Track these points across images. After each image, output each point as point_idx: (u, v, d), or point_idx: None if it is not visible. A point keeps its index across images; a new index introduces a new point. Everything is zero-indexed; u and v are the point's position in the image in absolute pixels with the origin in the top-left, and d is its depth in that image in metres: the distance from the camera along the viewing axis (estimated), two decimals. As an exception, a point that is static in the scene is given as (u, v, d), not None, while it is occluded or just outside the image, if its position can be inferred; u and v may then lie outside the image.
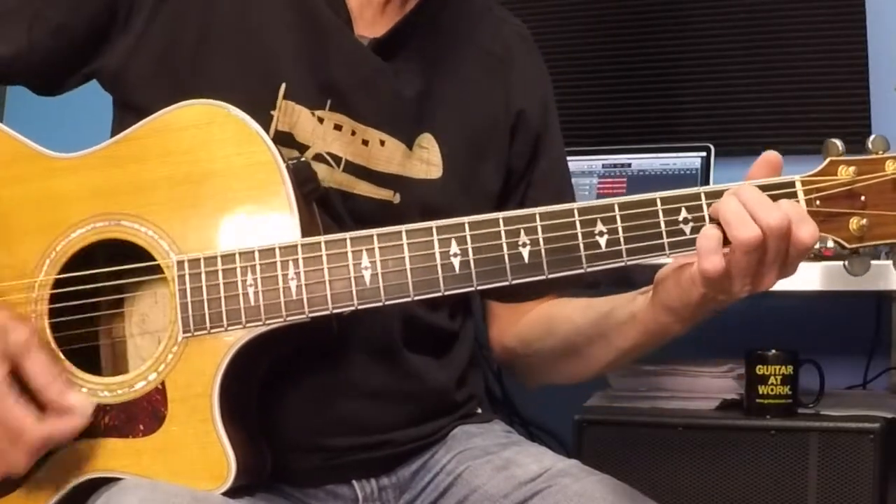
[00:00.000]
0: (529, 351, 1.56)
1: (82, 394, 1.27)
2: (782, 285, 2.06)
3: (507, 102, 1.55)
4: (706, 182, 2.52)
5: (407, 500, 1.48)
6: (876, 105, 2.61)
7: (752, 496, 2.15)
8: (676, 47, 2.81)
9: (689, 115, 2.80)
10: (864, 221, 1.23)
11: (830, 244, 1.25)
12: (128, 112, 1.42)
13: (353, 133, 1.43)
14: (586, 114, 2.85)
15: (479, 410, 1.59)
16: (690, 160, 2.56)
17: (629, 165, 2.60)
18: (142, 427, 1.30)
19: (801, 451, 2.13)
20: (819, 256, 2.06)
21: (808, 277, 2.05)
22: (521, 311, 1.56)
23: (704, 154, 2.55)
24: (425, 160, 1.47)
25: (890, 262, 1.99)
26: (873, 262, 2.00)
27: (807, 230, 1.19)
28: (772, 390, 2.20)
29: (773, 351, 2.21)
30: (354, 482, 1.45)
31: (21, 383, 1.25)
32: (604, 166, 2.60)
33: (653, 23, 2.82)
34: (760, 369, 2.21)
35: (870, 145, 1.23)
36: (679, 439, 2.21)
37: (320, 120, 1.42)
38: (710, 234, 1.20)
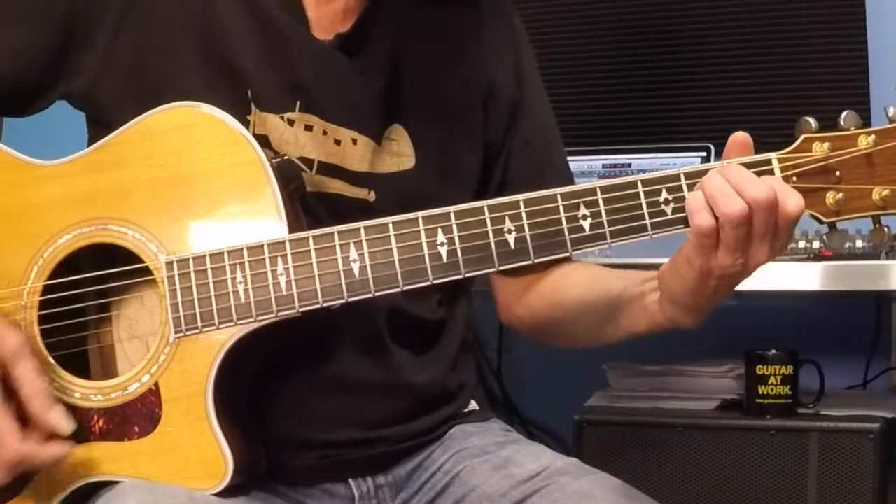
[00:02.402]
0: (537, 320, 1.57)
1: (63, 414, 1.27)
2: (782, 285, 2.07)
3: (476, 77, 1.55)
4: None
5: (404, 499, 1.47)
6: (876, 105, 2.60)
7: (752, 496, 2.15)
8: (676, 47, 2.81)
9: (689, 115, 2.80)
10: (839, 196, 1.25)
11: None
12: (101, 128, 1.41)
13: (325, 133, 1.43)
14: (586, 114, 2.85)
15: (474, 402, 1.59)
16: (690, 160, 2.56)
17: (629, 165, 2.60)
18: (137, 429, 1.30)
19: (801, 451, 2.13)
20: (819, 256, 2.06)
21: (808, 277, 2.05)
22: (527, 281, 1.57)
23: (704, 154, 2.54)
24: (395, 152, 1.47)
25: (891, 262, 2.00)
26: (872, 263, 2.02)
27: (793, 201, 1.21)
28: (772, 390, 2.19)
29: (773, 351, 2.21)
30: (350, 481, 1.44)
31: (8, 391, 1.25)
32: (604, 166, 2.60)
33: (653, 23, 2.82)
34: (760, 369, 2.20)
35: (842, 122, 1.26)
36: (679, 439, 2.20)
37: (290, 122, 1.42)
38: (696, 194, 1.22)
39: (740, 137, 1.27)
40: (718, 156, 2.51)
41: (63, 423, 1.26)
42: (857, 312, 2.59)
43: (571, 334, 1.55)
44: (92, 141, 1.43)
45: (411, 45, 1.50)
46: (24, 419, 1.26)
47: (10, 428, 1.24)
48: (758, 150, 1.28)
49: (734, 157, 1.26)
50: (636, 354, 2.41)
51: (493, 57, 1.56)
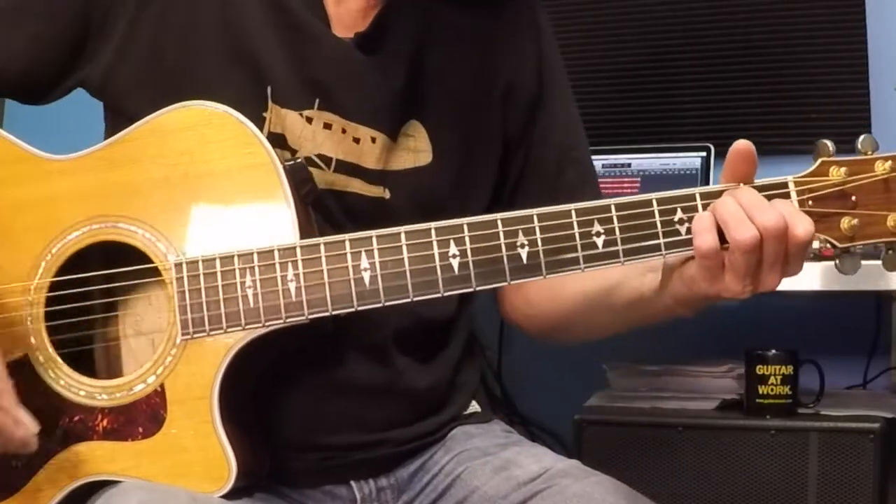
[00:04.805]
0: (534, 312, 1.56)
1: (30, 416, 1.25)
2: (783, 285, 2.07)
3: (495, 75, 1.54)
4: (706, 182, 2.52)
5: (405, 501, 1.47)
6: (876, 105, 2.61)
7: (752, 496, 2.15)
8: (676, 47, 2.81)
9: (689, 115, 2.80)
10: (855, 221, 1.24)
11: (816, 244, 1.25)
12: (118, 117, 1.42)
13: (344, 131, 1.43)
14: (586, 114, 2.82)
15: (475, 403, 1.59)
16: (690, 160, 2.56)
17: (629, 165, 2.60)
18: (141, 430, 1.30)
19: (801, 451, 2.13)
20: (819, 256, 2.05)
21: (808, 277, 2.05)
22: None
23: (704, 154, 2.54)
24: (412, 148, 1.47)
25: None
26: (873, 262, 2.02)
27: (802, 226, 1.20)
28: (772, 390, 2.20)
29: (773, 351, 2.21)
30: (353, 483, 1.45)
31: None
32: (604, 166, 2.60)
33: (653, 23, 2.82)
34: (760, 369, 2.20)
35: (859, 146, 1.25)
36: (679, 439, 2.20)
37: (308, 120, 1.42)
38: (704, 215, 1.22)
39: (743, 148, 1.25)
40: (718, 156, 2.54)
41: (31, 423, 1.24)
42: (857, 312, 2.59)
43: (571, 329, 1.55)
44: (109, 130, 1.44)
45: (430, 42, 1.50)
46: None
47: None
48: (757, 151, 1.27)
49: (737, 169, 1.24)
50: (636, 354, 2.41)
51: (513, 53, 1.55)
